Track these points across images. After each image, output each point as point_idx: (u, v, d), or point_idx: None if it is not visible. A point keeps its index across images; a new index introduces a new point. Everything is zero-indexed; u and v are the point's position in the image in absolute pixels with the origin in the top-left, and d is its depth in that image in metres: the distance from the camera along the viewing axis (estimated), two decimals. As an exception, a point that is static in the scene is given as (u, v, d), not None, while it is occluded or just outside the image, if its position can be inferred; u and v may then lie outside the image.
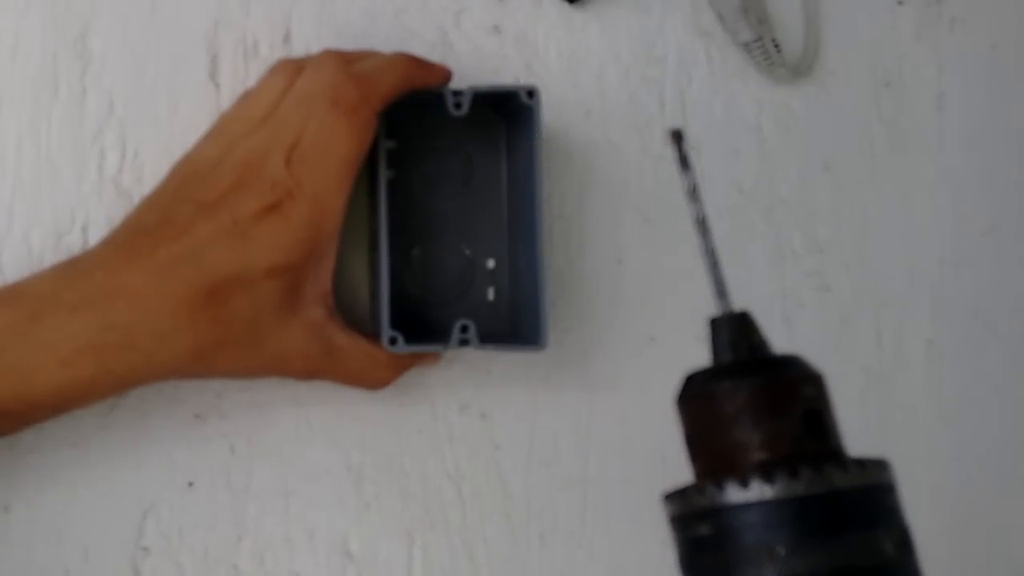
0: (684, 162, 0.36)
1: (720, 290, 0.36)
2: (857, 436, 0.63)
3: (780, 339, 0.61)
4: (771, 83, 0.62)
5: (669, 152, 0.60)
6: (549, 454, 0.58)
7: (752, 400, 0.33)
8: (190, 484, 0.55)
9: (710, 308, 0.61)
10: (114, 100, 0.54)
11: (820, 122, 0.62)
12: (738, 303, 0.61)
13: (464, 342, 0.52)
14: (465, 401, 0.58)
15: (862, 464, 0.33)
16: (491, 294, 0.57)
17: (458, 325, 0.52)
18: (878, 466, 0.34)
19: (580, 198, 0.59)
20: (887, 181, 0.63)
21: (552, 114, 0.57)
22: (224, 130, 0.53)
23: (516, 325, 0.56)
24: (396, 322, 0.51)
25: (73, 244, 0.53)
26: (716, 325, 0.36)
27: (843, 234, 0.63)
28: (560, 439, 0.59)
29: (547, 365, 0.58)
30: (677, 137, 0.36)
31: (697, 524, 0.33)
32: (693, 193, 0.36)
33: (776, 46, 0.61)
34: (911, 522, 0.64)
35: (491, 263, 0.57)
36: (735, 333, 0.35)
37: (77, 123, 0.54)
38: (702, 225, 0.36)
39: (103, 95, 0.54)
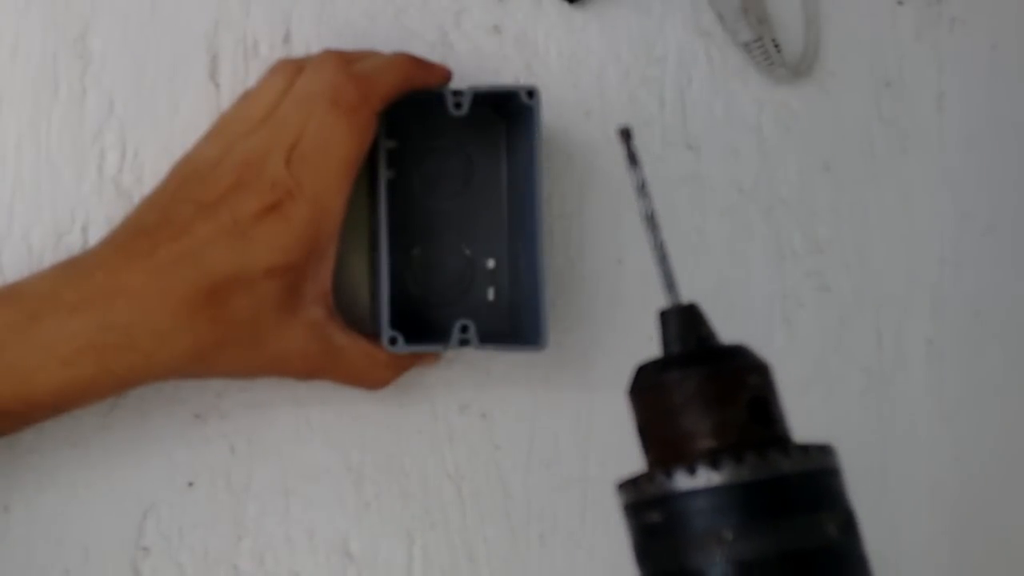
0: (633, 159, 0.37)
1: (669, 283, 0.37)
2: (857, 436, 0.64)
3: (780, 339, 0.62)
4: (771, 83, 0.62)
5: (670, 153, 0.61)
6: (549, 454, 0.58)
7: (699, 389, 0.34)
8: (190, 484, 0.55)
9: (710, 308, 0.61)
10: (114, 100, 0.54)
11: (820, 122, 0.62)
12: (738, 303, 0.61)
13: (464, 342, 0.52)
14: (465, 401, 0.58)
15: (805, 449, 0.34)
16: (491, 294, 0.57)
17: (458, 325, 0.52)
18: (821, 451, 0.34)
19: (580, 198, 0.59)
20: (887, 181, 0.63)
21: (552, 114, 0.57)
22: (224, 130, 0.53)
23: (516, 325, 0.56)
24: (396, 322, 0.51)
25: (73, 244, 0.53)
26: (665, 317, 0.37)
27: (843, 234, 0.63)
28: (560, 439, 0.59)
29: (547, 365, 0.58)
30: (625, 135, 0.38)
31: (648, 511, 0.34)
32: (642, 189, 0.37)
33: (776, 46, 0.61)
34: (912, 521, 0.65)
35: (491, 263, 0.57)
36: (683, 325, 0.36)
37: (77, 123, 0.54)
38: (651, 221, 0.37)
39: (103, 95, 0.54)
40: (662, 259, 0.37)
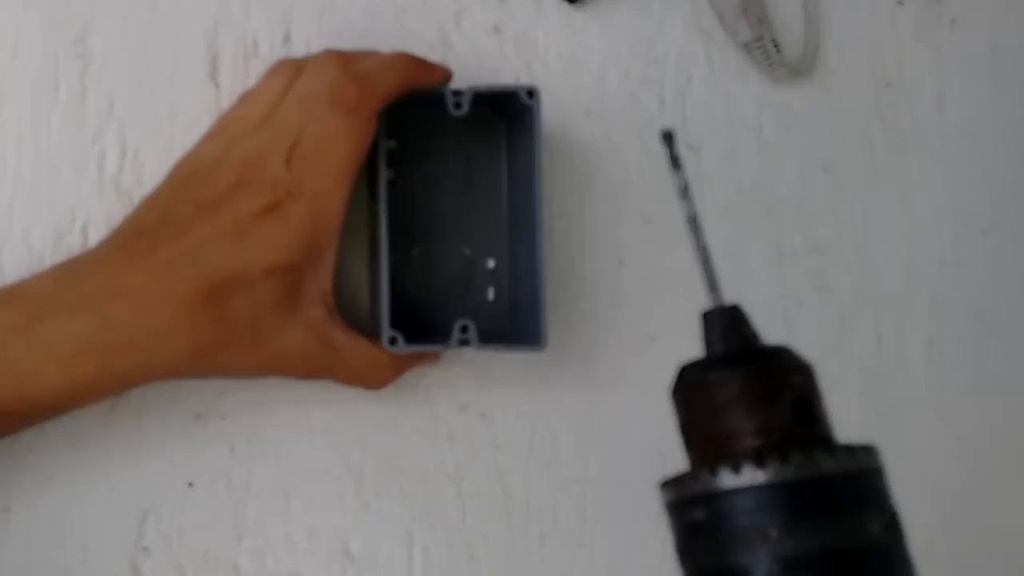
0: (676, 162, 0.37)
1: (712, 285, 0.37)
2: (857, 436, 0.64)
3: (780, 339, 0.61)
4: (771, 83, 0.62)
5: (662, 155, 0.60)
6: (549, 454, 0.58)
7: (744, 389, 0.34)
8: (190, 484, 0.55)
9: (709, 308, 0.61)
10: (114, 100, 0.54)
11: (820, 122, 0.62)
12: (738, 303, 0.61)
13: (464, 342, 0.52)
14: (465, 401, 0.58)
15: (850, 449, 0.34)
16: (491, 294, 0.57)
17: (458, 325, 0.52)
18: (866, 451, 0.34)
19: (580, 198, 0.59)
20: (887, 181, 0.63)
21: (552, 114, 0.57)
22: (224, 130, 0.53)
23: (516, 325, 0.56)
24: (396, 322, 0.51)
25: (73, 244, 0.53)
26: (708, 318, 0.37)
27: (843, 234, 0.63)
28: (560, 439, 0.59)
29: (547, 365, 0.58)
30: (668, 138, 0.38)
31: (692, 509, 0.34)
32: (685, 192, 0.37)
33: (776, 46, 0.61)
34: (912, 521, 0.64)
35: (491, 263, 0.57)
36: (726, 325, 0.36)
37: (77, 123, 0.54)
38: (694, 223, 0.37)
39: (103, 95, 0.54)
40: (705, 261, 0.37)
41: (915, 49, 0.64)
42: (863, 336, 0.63)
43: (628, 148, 0.60)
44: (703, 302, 0.61)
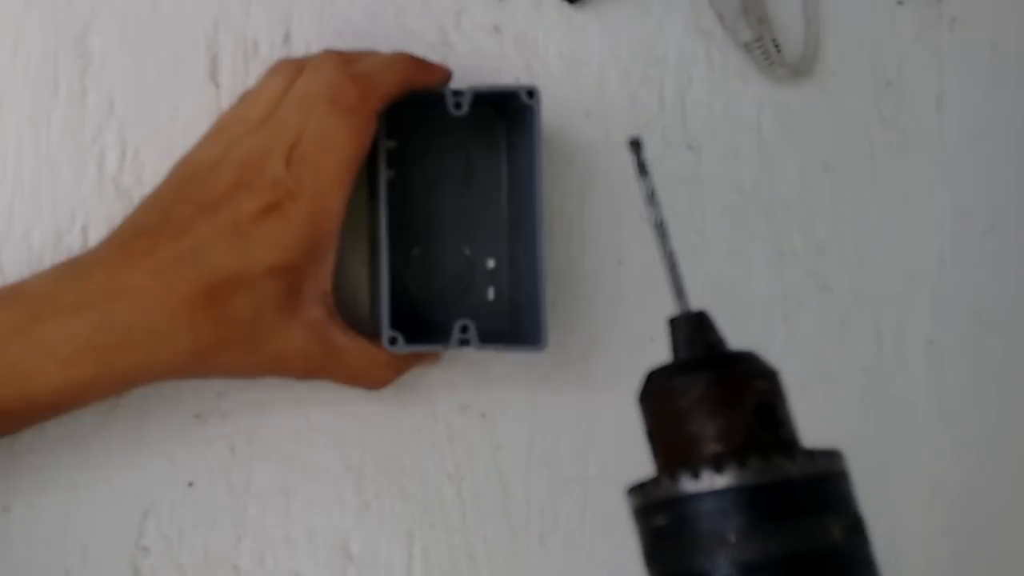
0: (643, 169, 0.38)
1: (679, 291, 0.37)
2: (857, 436, 0.64)
3: (780, 339, 0.62)
4: (771, 83, 0.62)
5: (670, 153, 0.61)
6: (549, 454, 0.58)
7: (707, 394, 0.35)
8: (190, 484, 0.55)
9: (709, 308, 0.61)
10: (114, 100, 0.54)
11: (820, 122, 0.62)
12: (738, 303, 0.61)
13: (464, 342, 0.52)
14: (465, 401, 0.58)
15: (811, 454, 0.34)
16: (491, 294, 0.57)
17: (458, 325, 0.52)
18: (828, 456, 0.34)
19: (580, 198, 0.59)
20: (887, 181, 0.63)
21: (552, 114, 0.57)
22: (224, 130, 0.53)
23: (516, 325, 0.56)
24: (396, 322, 0.51)
25: (73, 244, 0.53)
26: (675, 324, 0.37)
27: (843, 234, 0.63)
28: (560, 439, 0.59)
29: (547, 365, 0.58)
30: (636, 145, 0.38)
31: (655, 515, 0.34)
32: (651, 198, 0.37)
33: (776, 46, 0.61)
34: (912, 521, 0.64)
35: (491, 263, 0.57)
36: (692, 331, 0.37)
37: (77, 123, 0.54)
38: (660, 229, 0.37)
39: (103, 95, 0.54)
40: (672, 267, 0.37)
41: (915, 49, 0.64)
42: (863, 336, 0.63)
43: (628, 148, 0.60)
44: (702, 302, 0.61)
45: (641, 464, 0.59)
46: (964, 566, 0.63)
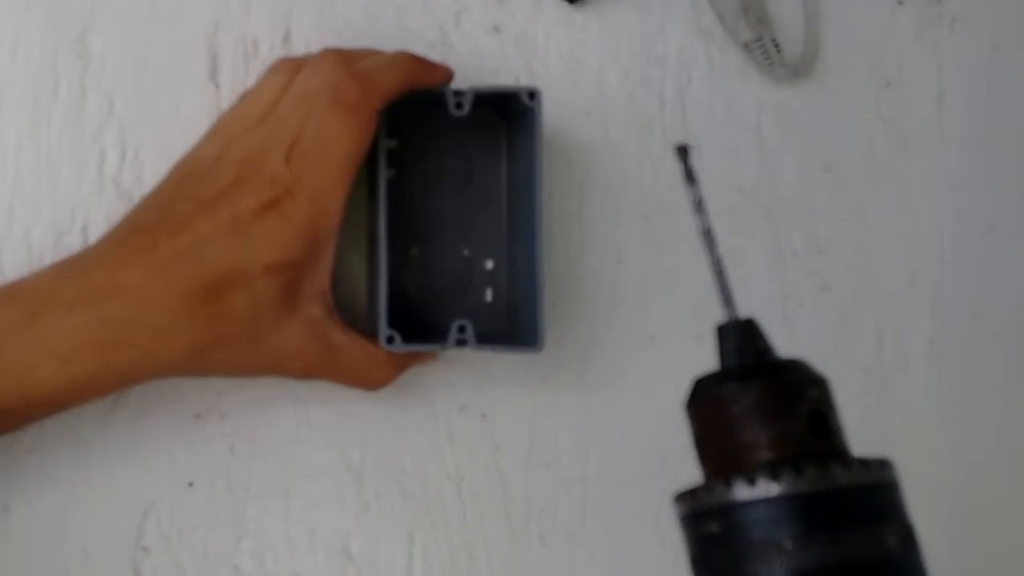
0: (690, 176, 0.37)
1: (727, 298, 0.37)
2: (857, 436, 0.64)
3: (780, 339, 0.61)
4: (771, 83, 0.62)
5: (670, 154, 0.60)
6: (549, 454, 0.58)
7: (759, 402, 0.34)
8: (190, 484, 0.55)
9: (710, 308, 0.61)
10: (114, 100, 0.54)
11: (820, 122, 0.62)
12: (738, 303, 0.61)
13: (461, 342, 0.52)
14: (465, 401, 0.58)
15: (866, 463, 0.34)
16: (489, 295, 0.57)
17: (455, 325, 0.52)
18: (881, 465, 0.35)
19: (580, 198, 0.59)
20: (887, 181, 0.63)
21: (552, 114, 0.57)
22: (223, 129, 0.53)
23: (514, 326, 0.56)
24: (394, 321, 0.51)
25: (73, 244, 0.53)
26: (723, 331, 0.37)
27: (843, 234, 0.63)
28: (560, 439, 0.59)
29: (547, 365, 0.58)
30: (683, 152, 0.38)
31: (707, 522, 0.34)
32: (699, 206, 0.37)
33: (776, 46, 0.61)
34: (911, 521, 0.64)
35: (490, 264, 0.57)
36: (741, 339, 0.36)
37: (77, 123, 0.54)
38: (708, 236, 0.37)
39: (103, 95, 0.54)
40: (719, 274, 0.37)
41: (915, 49, 0.64)
42: (863, 336, 0.63)
43: (628, 148, 0.60)
44: (702, 302, 0.61)
45: (641, 464, 0.59)
46: (964, 566, 0.63)
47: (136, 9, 0.55)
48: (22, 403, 0.47)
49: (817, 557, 0.32)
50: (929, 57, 0.64)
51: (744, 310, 0.61)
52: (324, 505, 0.56)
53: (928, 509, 0.63)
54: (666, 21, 0.61)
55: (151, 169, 0.54)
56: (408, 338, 0.51)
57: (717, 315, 0.60)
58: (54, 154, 0.54)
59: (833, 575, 0.32)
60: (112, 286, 0.48)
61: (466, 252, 0.57)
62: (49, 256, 0.53)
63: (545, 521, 0.58)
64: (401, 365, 0.54)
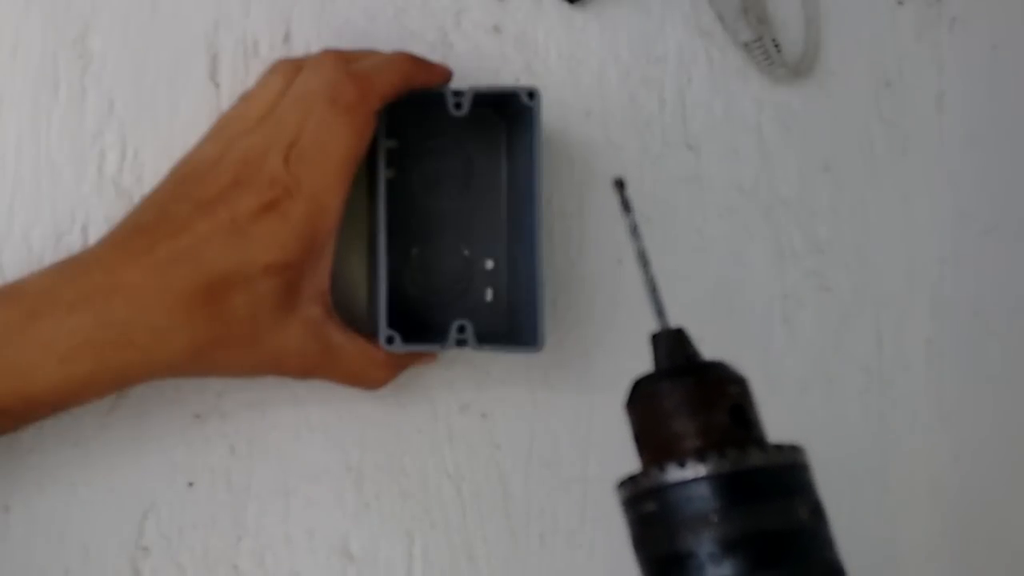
0: (626, 206, 0.43)
1: (660, 312, 0.42)
2: (857, 436, 0.64)
3: (780, 339, 0.62)
4: (771, 83, 0.62)
5: (670, 153, 0.61)
6: (549, 454, 0.58)
7: (687, 398, 0.39)
8: (190, 484, 0.55)
9: (710, 308, 0.61)
10: (114, 100, 0.54)
11: (820, 122, 0.63)
12: (738, 303, 0.61)
13: (461, 342, 0.52)
14: (465, 401, 0.58)
15: (780, 447, 0.39)
16: (489, 295, 0.57)
17: (455, 325, 0.52)
18: (793, 449, 0.39)
19: (580, 198, 0.59)
20: (887, 181, 0.63)
21: (552, 114, 0.57)
22: (223, 130, 0.53)
23: (514, 326, 0.56)
24: (394, 321, 0.51)
25: (73, 244, 0.53)
26: (657, 339, 0.42)
27: (843, 234, 0.63)
28: (560, 439, 0.59)
29: (547, 365, 0.58)
30: (620, 185, 0.43)
31: (645, 502, 0.38)
32: (635, 231, 0.43)
33: (776, 46, 0.61)
34: (912, 521, 0.64)
35: (489, 264, 0.57)
36: (672, 345, 0.41)
37: (77, 123, 0.54)
38: (642, 258, 0.43)
39: (103, 95, 0.54)
40: (652, 291, 0.43)
41: (915, 49, 0.64)
42: (863, 336, 0.63)
43: (628, 148, 0.60)
44: (702, 302, 0.62)
45: (638, 466, 0.59)
46: (964, 566, 0.63)
47: (136, 9, 0.55)
48: (22, 403, 0.47)
49: (739, 527, 0.37)
50: (929, 57, 0.64)
51: (744, 310, 0.62)
52: (324, 505, 0.56)
53: (928, 510, 0.63)
54: (666, 21, 0.61)
55: (151, 169, 0.54)
56: (408, 338, 0.51)
57: (717, 316, 0.61)
58: (54, 154, 0.54)
59: (754, 542, 0.37)
60: (111, 287, 0.48)
61: (466, 252, 0.57)
62: (49, 256, 0.53)
63: (545, 521, 0.58)
64: (400, 365, 0.54)
